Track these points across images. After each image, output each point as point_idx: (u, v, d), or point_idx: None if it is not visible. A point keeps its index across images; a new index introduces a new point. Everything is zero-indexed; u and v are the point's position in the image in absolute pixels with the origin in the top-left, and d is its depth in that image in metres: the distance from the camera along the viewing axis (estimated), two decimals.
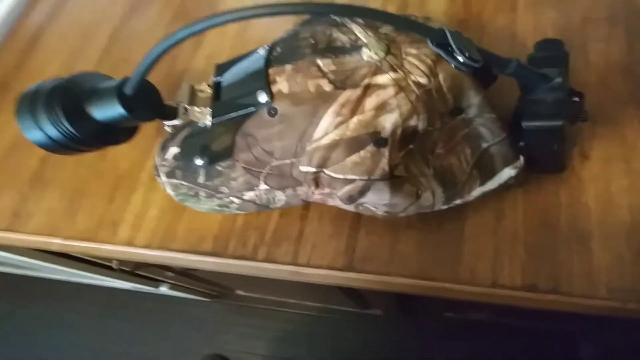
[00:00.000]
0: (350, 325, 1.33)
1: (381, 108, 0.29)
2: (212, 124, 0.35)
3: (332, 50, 0.30)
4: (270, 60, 0.31)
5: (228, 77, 0.33)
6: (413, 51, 0.30)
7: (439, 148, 0.33)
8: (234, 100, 0.32)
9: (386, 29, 0.31)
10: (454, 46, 0.27)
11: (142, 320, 1.45)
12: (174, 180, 0.43)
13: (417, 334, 1.29)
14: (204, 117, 0.34)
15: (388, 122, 0.29)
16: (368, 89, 0.29)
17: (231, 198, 0.41)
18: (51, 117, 0.33)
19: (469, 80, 0.31)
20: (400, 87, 0.29)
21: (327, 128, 0.29)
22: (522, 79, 0.32)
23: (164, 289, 1.15)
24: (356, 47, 0.30)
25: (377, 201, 0.34)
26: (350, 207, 0.36)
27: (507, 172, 0.36)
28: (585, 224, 0.38)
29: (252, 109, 0.31)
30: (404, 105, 0.29)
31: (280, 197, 0.39)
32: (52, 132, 0.33)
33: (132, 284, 1.14)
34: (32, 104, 0.33)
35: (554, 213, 0.39)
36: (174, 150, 0.44)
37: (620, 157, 0.40)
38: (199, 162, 0.41)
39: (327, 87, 0.29)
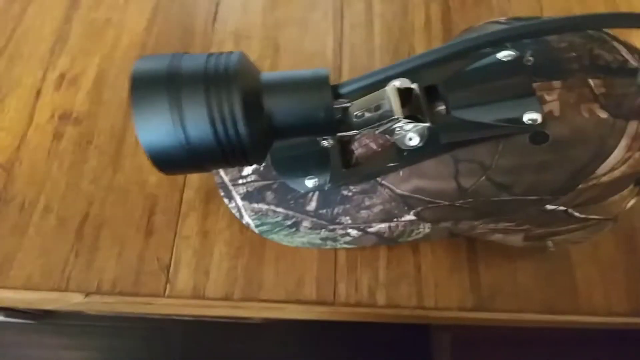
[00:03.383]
0: (223, 335, 1.22)
1: None
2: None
3: (599, 69, 0.25)
4: (531, 73, 0.25)
5: (453, 86, 0.25)
6: None
7: None
8: (472, 117, 0.24)
9: None
10: None
11: None
12: (260, 205, 0.32)
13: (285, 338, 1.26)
14: (407, 134, 0.25)
15: None
16: None
17: (349, 230, 0.32)
18: (214, 111, 0.21)
19: None
20: None
21: (615, 164, 0.25)
22: None
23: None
24: (627, 69, 0.26)
25: (574, 239, 0.30)
26: (523, 243, 0.32)
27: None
28: None
29: (511, 131, 0.24)
30: None
31: (423, 231, 0.32)
32: (202, 133, 0.21)
33: None
34: (174, 88, 0.20)
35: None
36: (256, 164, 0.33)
37: None
38: (312, 183, 0.31)
39: (603, 114, 0.25)
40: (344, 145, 0.31)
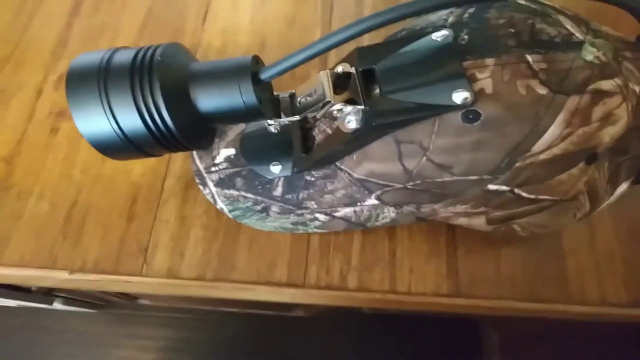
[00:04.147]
0: (267, 328, 1.26)
1: (605, 119, 0.24)
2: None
3: (539, 44, 0.25)
4: (460, 51, 0.25)
5: (387, 68, 0.26)
6: (628, 54, 0.26)
7: None
8: (404, 98, 0.25)
9: (596, 24, 0.27)
10: None
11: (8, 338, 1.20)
12: (231, 192, 0.33)
13: (335, 331, 1.27)
14: (346, 117, 0.26)
15: (607, 135, 0.25)
16: (595, 95, 0.24)
17: (317, 215, 0.33)
18: (140, 100, 0.22)
19: None
20: (623, 95, 0.25)
21: (552, 141, 0.24)
22: None
23: (57, 304, 0.97)
24: (570, 43, 0.25)
25: (537, 222, 0.29)
26: (488, 228, 0.31)
27: (623, 187, 0.34)
28: None
29: (440, 111, 0.24)
30: (624, 117, 0.25)
31: (388, 215, 0.32)
32: (132, 122, 0.23)
33: (19, 301, 0.93)
34: (103, 82, 0.22)
35: (636, 225, 0.38)
36: (226, 151, 0.34)
37: None
38: (277, 169, 0.32)
39: (542, 89, 0.24)
40: (306, 132, 0.32)
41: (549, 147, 0.24)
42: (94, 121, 0.23)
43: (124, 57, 0.23)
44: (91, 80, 0.23)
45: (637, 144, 0.31)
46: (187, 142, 0.25)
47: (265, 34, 0.42)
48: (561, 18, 0.26)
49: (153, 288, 0.33)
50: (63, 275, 0.32)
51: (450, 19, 0.27)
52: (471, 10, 0.27)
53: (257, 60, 0.25)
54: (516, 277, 0.35)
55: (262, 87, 0.25)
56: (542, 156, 0.24)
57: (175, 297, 1.08)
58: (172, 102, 0.23)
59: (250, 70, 0.23)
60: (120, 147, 0.24)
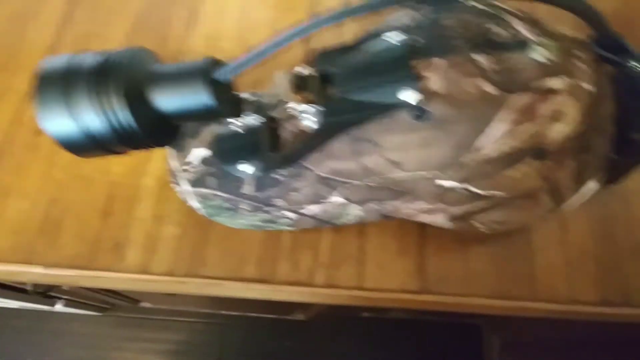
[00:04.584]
0: (268, 332, 1.26)
1: (553, 116, 0.25)
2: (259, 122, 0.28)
3: (489, 44, 0.25)
4: (411, 51, 0.26)
5: (343, 69, 0.27)
6: (579, 54, 0.26)
7: (550, 159, 0.31)
8: (357, 98, 0.26)
9: (547, 25, 0.27)
10: (633, 51, 0.25)
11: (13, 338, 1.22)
12: (204, 190, 0.34)
13: (335, 335, 1.27)
14: (304, 116, 0.27)
15: (555, 132, 0.25)
16: (541, 93, 0.25)
17: (285, 212, 0.34)
18: (100, 102, 0.24)
19: (609, 88, 0.29)
20: (572, 93, 0.25)
21: (497, 137, 0.25)
22: None
23: (59, 307, 0.98)
24: (519, 43, 0.25)
25: (495, 219, 0.30)
26: (450, 224, 0.32)
27: (591, 186, 0.34)
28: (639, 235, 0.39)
29: (389, 110, 0.25)
30: (573, 114, 0.25)
31: (354, 212, 0.33)
32: (94, 122, 0.24)
33: (21, 303, 0.95)
34: (66, 84, 0.24)
35: (611, 225, 0.39)
36: (200, 152, 0.35)
37: None
38: (246, 168, 0.33)
39: (489, 88, 0.25)
40: (274, 132, 0.33)
41: (494, 143, 0.25)
42: (58, 122, 0.24)
43: (87, 60, 0.25)
44: (55, 83, 0.24)
45: (600, 142, 0.32)
46: (149, 140, 0.26)
47: (249, 40, 0.44)
48: (511, 19, 0.26)
49: (126, 283, 0.34)
50: (39, 270, 0.33)
51: (405, 21, 0.28)
52: (425, 12, 0.28)
53: (215, 62, 0.26)
54: (485, 274, 0.36)
55: (222, 87, 0.26)
56: (488, 152, 0.25)
57: (176, 300, 1.10)
58: (132, 102, 0.24)
59: (205, 71, 0.24)
60: (85, 146, 0.25)
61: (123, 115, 0.24)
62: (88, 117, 0.24)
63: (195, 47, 0.43)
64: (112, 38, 0.43)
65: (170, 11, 0.44)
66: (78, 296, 0.92)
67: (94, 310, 1.16)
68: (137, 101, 0.24)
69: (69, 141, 0.25)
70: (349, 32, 0.40)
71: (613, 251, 0.37)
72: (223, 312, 1.21)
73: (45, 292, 0.72)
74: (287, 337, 1.23)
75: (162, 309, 1.21)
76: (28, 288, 0.62)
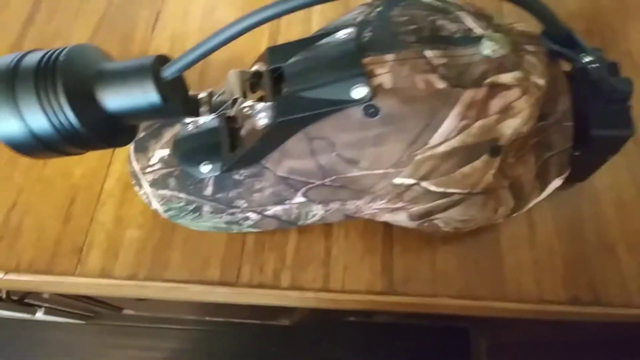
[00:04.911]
0: (254, 338, 1.25)
1: (505, 112, 0.25)
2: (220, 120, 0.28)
3: (439, 40, 0.25)
4: (361, 48, 0.25)
5: (295, 66, 0.26)
6: (530, 48, 0.26)
7: (510, 156, 0.30)
8: (308, 95, 0.25)
9: (498, 19, 0.27)
10: (584, 45, 0.25)
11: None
12: (165, 192, 0.34)
13: (321, 340, 1.26)
14: (257, 114, 0.27)
15: (508, 127, 0.25)
16: (493, 88, 0.25)
17: (248, 214, 0.33)
18: (45, 101, 0.23)
19: (565, 83, 0.29)
20: (523, 88, 0.25)
21: (448, 133, 0.24)
22: (599, 81, 0.30)
23: (40, 315, 0.97)
24: (470, 38, 0.25)
25: (456, 217, 0.30)
26: (413, 224, 0.31)
27: (556, 183, 0.34)
28: (608, 233, 0.38)
29: (340, 106, 0.25)
30: (526, 109, 0.25)
31: (317, 213, 0.33)
32: (39, 122, 0.24)
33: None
34: (9, 83, 0.23)
35: (579, 223, 0.38)
36: (160, 152, 0.35)
37: (624, 166, 0.41)
38: (206, 169, 0.33)
39: (440, 84, 0.24)
40: (235, 132, 0.33)
41: (446, 140, 0.25)
42: (4, 123, 0.24)
43: (31, 59, 0.24)
44: (1, 82, 0.24)
45: (560, 138, 0.31)
46: (98, 140, 0.26)
47: None
48: (462, 14, 0.26)
49: (86, 288, 0.33)
50: None
51: (359, 18, 0.28)
52: (378, 9, 0.27)
53: (162, 59, 0.25)
54: (452, 274, 0.36)
55: (171, 85, 0.26)
56: (441, 149, 0.25)
57: (159, 306, 1.09)
58: (76, 101, 0.24)
59: (151, 69, 0.24)
60: (33, 146, 0.25)
61: (67, 115, 0.23)
62: (33, 117, 0.23)
63: (160, 48, 0.43)
64: (75, 38, 0.42)
65: (135, 12, 0.44)
66: (58, 304, 0.91)
67: (77, 319, 1.14)
68: (81, 99, 0.24)
69: (15, 142, 0.24)
70: (317, 28, 0.40)
71: (581, 250, 0.37)
72: (208, 318, 1.20)
73: (21, 300, 0.71)
74: (273, 342, 1.22)
75: (147, 317, 1.20)
76: (2, 295, 0.61)
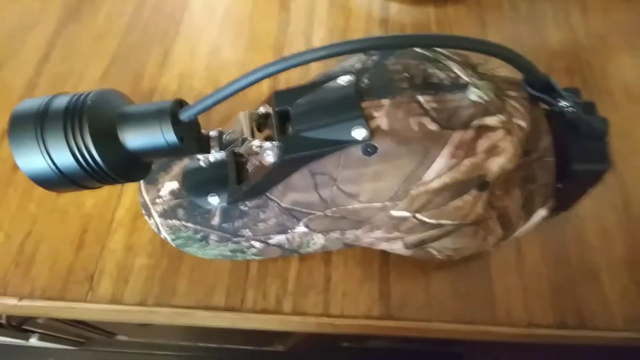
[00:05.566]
0: None
1: (491, 151, 0.27)
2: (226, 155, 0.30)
3: (430, 86, 0.28)
4: (360, 92, 0.28)
5: (299, 108, 0.29)
6: (513, 93, 0.29)
7: (497, 189, 0.33)
8: (312, 135, 0.28)
9: (483, 67, 0.30)
10: (560, 90, 0.27)
11: None
12: (174, 222, 0.36)
13: None
14: (265, 152, 0.29)
15: (494, 165, 0.28)
16: (479, 130, 0.27)
17: (252, 242, 0.35)
18: (71, 140, 0.25)
19: (545, 124, 0.31)
20: (507, 129, 0.28)
21: (440, 170, 0.27)
22: (577, 121, 0.33)
23: (33, 340, 0.97)
24: (458, 85, 0.28)
25: (449, 245, 0.32)
26: (408, 252, 0.33)
27: (541, 213, 0.36)
28: (592, 259, 0.40)
29: (342, 146, 0.27)
30: (509, 149, 0.28)
31: (318, 241, 0.35)
32: (65, 159, 0.26)
33: None
34: (39, 123, 0.25)
35: (565, 250, 0.41)
36: (170, 185, 0.37)
37: (605, 196, 0.44)
38: (214, 200, 0.35)
39: (432, 126, 0.27)
40: (241, 166, 0.35)
41: (438, 176, 0.27)
42: (32, 160, 0.26)
43: (60, 102, 0.26)
44: (29, 123, 0.26)
45: (543, 172, 0.34)
46: (118, 176, 0.28)
47: (218, 79, 0.46)
48: (450, 63, 0.29)
49: (97, 314, 0.35)
50: (12, 301, 0.34)
51: (357, 65, 0.30)
52: (374, 57, 0.30)
53: (179, 103, 0.28)
54: (445, 300, 0.37)
55: (186, 126, 0.28)
56: (434, 184, 0.27)
57: (152, 332, 1.09)
58: (100, 141, 0.26)
59: (170, 112, 0.26)
60: (57, 182, 0.27)
61: (92, 153, 0.25)
62: (60, 155, 0.25)
63: (169, 86, 0.45)
64: (88, 77, 0.45)
65: (145, 51, 0.47)
66: (53, 330, 0.91)
67: (70, 345, 1.14)
68: (106, 140, 0.26)
69: (41, 178, 0.26)
70: (315, 72, 0.43)
71: (567, 276, 0.39)
72: (201, 344, 1.19)
73: (19, 325, 0.71)
74: None
75: (139, 342, 1.19)
76: (2, 321, 0.62)
